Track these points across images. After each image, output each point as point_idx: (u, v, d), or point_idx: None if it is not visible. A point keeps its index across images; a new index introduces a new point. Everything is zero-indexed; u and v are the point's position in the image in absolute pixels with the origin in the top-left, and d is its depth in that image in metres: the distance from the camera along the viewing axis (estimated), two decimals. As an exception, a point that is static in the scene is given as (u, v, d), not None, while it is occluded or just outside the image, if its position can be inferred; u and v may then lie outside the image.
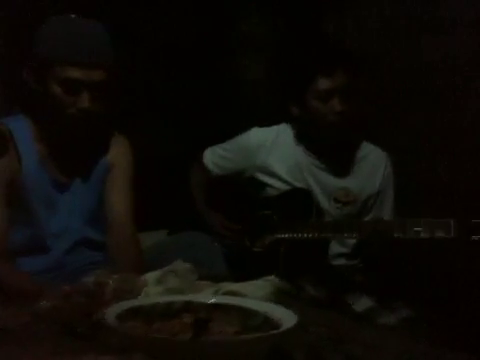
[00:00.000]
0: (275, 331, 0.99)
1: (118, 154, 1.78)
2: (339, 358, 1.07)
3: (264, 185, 2.13)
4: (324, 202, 2.08)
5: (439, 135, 2.41)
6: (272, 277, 1.22)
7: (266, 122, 2.23)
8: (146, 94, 2.78)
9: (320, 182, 2.10)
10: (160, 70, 2.82)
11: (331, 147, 2.09)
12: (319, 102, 1.99)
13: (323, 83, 1.98)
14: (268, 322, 1.05)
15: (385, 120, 2.55)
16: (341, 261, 2.06)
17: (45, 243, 1.68)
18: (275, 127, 2.18)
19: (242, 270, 1.81)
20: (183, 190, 2.24)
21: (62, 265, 1.68)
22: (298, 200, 2.05)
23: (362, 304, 1.87)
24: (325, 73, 1.98)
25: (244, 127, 2.22)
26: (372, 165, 2.13)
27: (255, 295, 1.15)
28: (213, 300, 1.11)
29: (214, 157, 2.22)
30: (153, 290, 1.19)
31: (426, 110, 2.47)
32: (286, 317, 1.04)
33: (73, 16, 1.65)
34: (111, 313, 1.04)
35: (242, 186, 2.17)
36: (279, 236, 1.98)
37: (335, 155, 2.10)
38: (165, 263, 1.31)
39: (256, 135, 2.17)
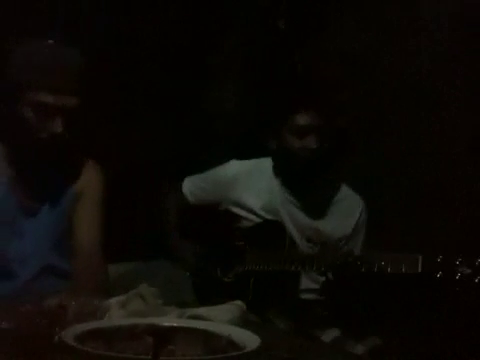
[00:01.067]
0: (239, 352, 0.97)
1: (88, 181, 1.77)
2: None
3: (237, 217, 2.12)
4: (296, 239, 2.08)
5: (410, 171, 2.44)
6: (239, 302, 1.21)
7: (244, 155, 2.24)
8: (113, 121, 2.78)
9: (294, 219, 2.10)
10: (134, 101, 2.83)
11: (308, 185, 2.10)
12: (295, 138, 2.01)
13: (300, 119, 2.01)
14: (232, 345, 1.03)
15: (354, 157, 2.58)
16: (311, 296, 2.05)
17: (9, 269, 1.64)
18: (253, 161, 2.20)
19: (211, 300, 1.79)
20: (153, 218, 2.23)
21: (27, 291, 1.64)
22: (272, 233, 2.05)
23: (329, 334, 1.86)
24: (302, 109, 2.01)
25: (220, 158, 2.23)
26: (347, 209, 2.14)
27: (220, 319, 1.13)
28: (176, 323, 1.09)
29: (192, 187, 2.22)
30: (116, 313, 1.17)
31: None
32: (249, 340, 1.03)
33: (49, 41, 1.67)
34: (70, 334, 1.01)
35: (216, 217, 2.16)
36: (250, 267, 1.97)
37: (311, 193, 2.11)
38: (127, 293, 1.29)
39: (233, 168, 2.18)
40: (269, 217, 2.09)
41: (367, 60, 2.59)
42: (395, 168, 2.45)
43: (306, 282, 2.04)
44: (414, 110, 2.42)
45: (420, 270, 1.65)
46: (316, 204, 2.11)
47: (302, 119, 2.00)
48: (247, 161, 2.20)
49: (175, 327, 1.07)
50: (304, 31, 2.85)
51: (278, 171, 2.13)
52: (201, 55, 2.95)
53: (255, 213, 2.10)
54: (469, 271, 1.58)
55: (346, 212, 2.13)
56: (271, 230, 2.06)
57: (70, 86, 1.61)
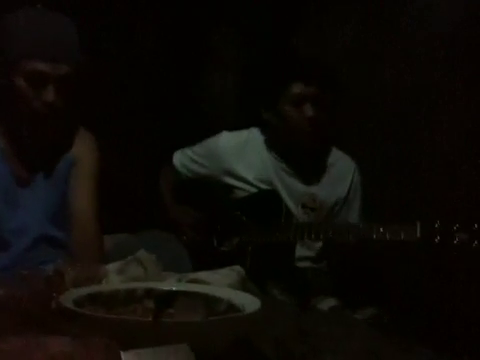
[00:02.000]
0: (239, 314, 0.97)
1: (83, 150, 1.74)
2: (305, 349, 1.06)
3: (231, 188, 2.12)
4: (292, 207, 2.08)
5: (406, 141, 2.43)
6: (238, 267, 1.20)
7: (234, 126, 2.23)
8: (113, 99, 2.76)
9: (288, 187, 2.09)
10: (128, 77, 2.81)
11: (300, 153, 2.09)
12: (291, 107, 2.01)
13: (296, 88, 1.99)
14: (232, 308, 1.03)
15: (352, 128, 2.57)
16: (306, 264, 2.06)
17: (5, 239, 1.63)
18: (245, 131, 2.18)
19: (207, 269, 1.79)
20: (149, 191, 2.22)
21: (22, 262, 1.62)
22: (267, 202, 2.05)
23: (326, 304, 1.87)
24: (299, 78, 2.00)
25: (213, 130, 2.21)
26: (340, 172, 2.14)
27: (220, 283, 1.13)
28: (175, 287, 1.09)
29: (184, 159, 2.21)
30: (115, 278, 1.16)
31: (393, 117, 2.50)
32: (250, 303, 1.02)
33: (39, 7, 1.63)
34: (68, 298, 1.01)
35: (211, 187, 2.15)
36: (247, 237, 1.97)
37: (304, 161, 2.11)
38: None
39: (225, 139, 2.16)
40: (263, 186, 2.09)
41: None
42: (390, 134, 2.44)
43: (301, 250, 2.04)
44: (414, 75, 2.41)
45: (418, 237, 1.65)
46: (309, 170, 2.11)
47: (298, 88, 1.99)
48: (238, 132, 2.19)
49: (175, 291, 1.06)
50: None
51: (272, 140, 2.12)
52: (205, 29, 2.93)
53: (249, 183, 2.10)
54: (466, 236, 1.59)
55: (339, 175, 2.13)
56: (266, 199, 2.06)
57: (62, 54, 1.58)
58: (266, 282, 1.91)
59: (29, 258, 1.64)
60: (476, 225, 1.59)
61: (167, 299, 1.01)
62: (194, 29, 2.93)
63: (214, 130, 2.26)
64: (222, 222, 2.08)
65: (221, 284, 1.14)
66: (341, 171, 2.14)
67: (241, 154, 2.13)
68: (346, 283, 1.93)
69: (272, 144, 2.12)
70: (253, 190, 2.09)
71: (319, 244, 2.04)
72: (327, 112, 2.04)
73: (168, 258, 1.67)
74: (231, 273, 1.16)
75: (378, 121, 2.55)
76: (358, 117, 2.61)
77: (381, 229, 1.71)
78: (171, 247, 1.80)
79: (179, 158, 2.22)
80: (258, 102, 2.12)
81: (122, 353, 0.82)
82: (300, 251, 2.03)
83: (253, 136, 2.16)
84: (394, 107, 2.51)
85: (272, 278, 1.93)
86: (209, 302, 1.05)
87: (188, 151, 2.22)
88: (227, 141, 2.16)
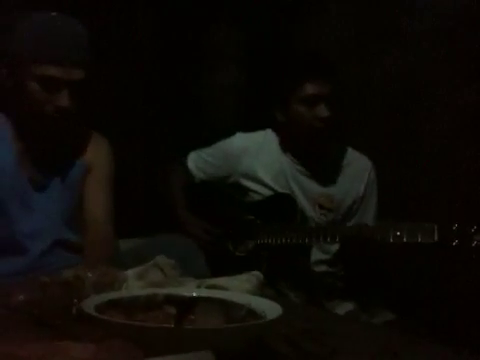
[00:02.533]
0: (260, 321, 0.96)
1: (97, 155, 1.75)
2: (324, 351, 1.05)
3: (247, 190, 2.11)
4: (308, 208, 2.07)
5: (419, 141, 2.42)
6: (256, 272, 1.20)
7: (244, 128, 2.22)
8: (121, 99, 2.76)
9: (304, 188, 2.08)
10: (139, 75, 2.81)
11: (315, 153, 2.08)
12: (305, 107, 1.99)
13: (310, 88, 1.98)
14: (252, 314, 1.02)
15: (364, 126, 2.56)
16: (322, 268, 2.04)
17: (21, 244, 1.63)
18: (260, 132, 2.17)
19: (224, 274, 1.78)
20: (159, 193, 2.21)
21: (39, 266, 1.62)
22: (282, 205, 2.03)
23: (343, 308, 1.86)
24: (312, 78, 1.98)
25: (222, 132, 2.21)
26: (356, 172, 2.13)
27: (239, 289, 1.12)
28: (196, 293, 1.08)
29: (198, 161, 2.20)
30: (134, 284, 1.16)
31: (403, 116, 2.49)
32: (270, 309, 1.02)
33: (53, 14, 1.63)
34: (89, 304, 1.00)
35: (225, 191, 2.14)
36: (262, 241, 1.96)
37: (319, 161, 2.09)
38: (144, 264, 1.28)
39: (240, 140, 2.15)
40: (279, 189, 2.08)
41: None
42: (407, 136, 2.43)
43: (317, 253, 2.03)
44: (430, 76, 2.39)
45: (436, 239, 1.64)
46: (325, 170, 2.10)
47: (312, 88, 1.98)
48: (253, 133, 2.18)
49: (195, 297, 1.06)
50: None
51: (287, 142, 2.11)
52: (207, 27, 2.93)
53: (266, 185, 2.09)
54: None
55: (355, 174, 2.12)
56: (282, 202, 2.05)
57: (76, 59, 1.58)
58: (281, 285, 1.91)
59: (45, 262, 1.65)
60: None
61: (188, 305, 1.01)
62: (198, 25, 2.93)
63: (221, 130, 2.25)
64: (237, 226, 2.07)
65: (240, 289, 1.14)
66: (357, 170, 2.13)
67: (258, 156, 2.12)
68: (363, 287, 1.92)
69: (287, 145, 2.11)
70: (269, 192, 2.08)
71: (335, 247, 2.02)
72: (339, 110, 2.03)
73: (185, 262, 1.68)
74: (250, 278, 1.16)
75: (389, 118, 2.54)
76: (367, 113, 2.61)
77: (398, 232, 1.70)
78: (186, 249, 1.79)
79: (193, 160, 2.21)
80: (270, 102, 2.11)
81: (145, 360, 0.82)
82: (316, 254, 2.02)
83: (268, 137, 2.14)
84: (403, 105, 2.50)
85: (287, 281, 1.92)
86: (229, 308, 1.04)
87: (202, 153, 2.21)
88: (244, 142, 2.15)
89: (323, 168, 2.10)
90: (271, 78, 2.17)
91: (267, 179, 2.09)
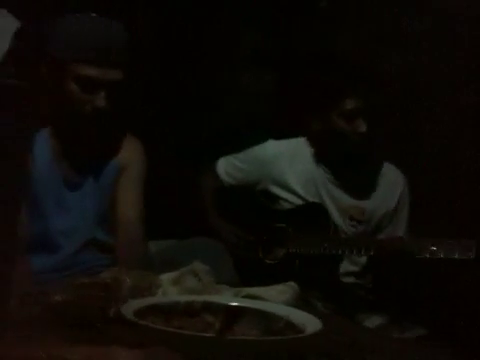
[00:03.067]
0: (301, 334, 0.96)
1: (130, 155, 1.76)
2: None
3: (276, 198, 2.10)
4: (338, 219, 2.05)
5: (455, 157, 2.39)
6: (292, 283, 1.19)
7: (272, 134, 2.21)
8: (149, 101, 2.77)
9: (335, 199, 2.07)
10: (165, 78, 2.81)
11: (350, 166, 2.07)
12: (344, 121, 1.99)
13: (350, 103, 1.98)
14: (290, 326, 1.01)
15: (400, 140, 2.54)
16: (351, 279, 2.03)
17: (55, 241, 1.64)
18: (292, 140, 2.16)
19: (253, 281, 1.78)
20: (191, 197, 2.21)
21: (71, 265, 1.64)
22: (314, 215, 2.02)
23: (373, 322, 1.84)
24: (353, 93, 1.98)
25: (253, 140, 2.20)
26: (389, 184, 2.11)
27: (276, 299, 1.12)
28: (234, 302, 1.08)
29: (228, 167, 2.19)
30: (170, 290, 1.16)
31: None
32: (309, 322, 1.01)
33: (92, 14, 1.64)
34: (128, 308, 1.00)
35: (256, 197, 2.14)
36: (293, 249, 1.95)
37: (353, 173, 2.08)
38: (174, 268, 1.28)
39: (273, 147, 2.14)
40: (310, 198, 2.06)
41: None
42: (440, 151, 2.40)
43: (345, 264, 2.02)
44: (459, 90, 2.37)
45: (474, 256, 1.61)
46: (357, 183, 2.08)
47: (353, 103, 1.97)
48: (285, 141, 2.17)
49: (234, 306, 1.05)
50: (346, 11, 2.80)
51: (321, 153, 2.10)
52: (231, 34, 2.92)
53: (296, 193, 2.08)
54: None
55: (388, 187, 2.10)
56: (313, 212, 2.04)
57: (114, 59, 1.59)
58: (310, 295, 1.89)
59: (77, 260, 1.66)
60: None
61: (229, 315, 1.00)
62: (230, 28, 2.92)
63: (246, 136, 2.24)
64: (267, 233, 2.06)
65: (277, 300, 1.13)
66: (390, 183, 2.11)
67: (290, 164, 2.11)
68: (392, 300, 1.90)
69: (321, 155, 2.10)
70: (298, 201, 2.07)
71: (364, 259, 2.01)
72: (378, 125, 2.02)
73: (214, 265, 1.67)
74: (287, 289, 1.16)
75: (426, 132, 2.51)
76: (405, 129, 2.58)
77: (434, 247, 1.68)
78: (217, 254, 1.78)
79: (223, 166, 2.20)
80: (305, 111, 2.10)
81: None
82: (345, 266, 2.00)
83: (301, 146, 2.13)
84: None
85: (316, 291, 1.91)
86: (267, 319, 1.04)
87: (232, 158, 2.20)
88: (276, 149, 2.14)
89: (355, 180, 2.08)
90: (307, 86, 2.15)
91: (297, 188, 2.08)
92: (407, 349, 1.24)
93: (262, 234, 2.06)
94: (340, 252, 1.88)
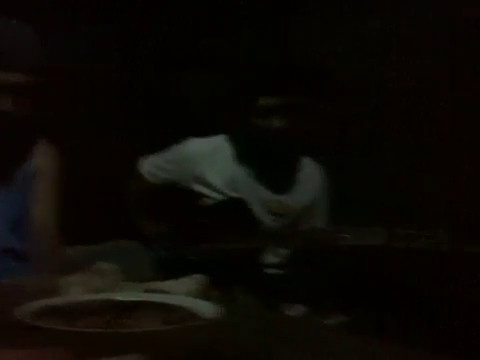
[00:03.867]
0: (196, 322, 0.97)
1: (44, 161, 1.73)
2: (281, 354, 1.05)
3: (199, 195, 2.12)
4: (260, 214, 2.09)
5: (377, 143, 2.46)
6: (198, 275, 1.20)
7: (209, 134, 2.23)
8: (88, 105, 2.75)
9: (256, 195, 2.10)
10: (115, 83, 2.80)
11: (270, 161, 2.10)
12: (259, 118, 2.01)
13: (263, 100, 2.00)
14: (190, 316, 1.03)
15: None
16: (273, 271, 2.06)
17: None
18: (212, 138, 2.18)
19: (175, 277, 1.79)
20: (114, 199, 2.21)
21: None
22: (236, 210, 2.05)
23: (295, 311, 1.87)
24: (265, 91, 2.00)
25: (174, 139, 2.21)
26: (307, 177, 2.16)
27: (177, 291, 1.13)
28: (134, 297, 1.09)
29: (151, 167, 2.20)
30: (76, 290, 1.16)
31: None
32: (208, 310, 1.03)
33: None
34: (25, 310, 1.00)
35: (179, 195, 2.15)
36: (215, 245, 1.97)
37: (272, 168, 2.11)
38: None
39: (195, 145, 2.16)
40: (232, 194, 2.09)
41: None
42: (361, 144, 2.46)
43: (267, 256, 2.05)
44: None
45: (385, 242, 1.67)
46: (277, 178, 2.12)
47: (265, 100, 2.00)
48: (205, 139, 2.19)
49: (132, 301, 1.06)
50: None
51: (241, 150, 2.13)
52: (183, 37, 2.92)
53: (218, 190, 2.10)
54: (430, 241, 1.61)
55: (306, 180, 2.15)
56: (235, 207, 2.06)
57: (19, 63, 1.57)
58: (233, 289, 1.91)
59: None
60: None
61: (124, 309, 1.01)
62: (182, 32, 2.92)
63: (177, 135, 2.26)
64: (190, 230, 2.08)
65: (179, 292, 1.15)
66: (308, 176, 2.16)
67: (211, 160, 2.13)
68: (314, 290, 1.94)
69: (242, 152, 2.13)
70: (221, 197, 2.09)
71: (286, 250, 2.04)
72: (297, 121, 2.03)
73: (131, 268, 1.68)
74: (189, 281, 1.17)
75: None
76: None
77: (347, 234, 1.73)
78: (134, 254, 1.79)
79: (146, 166, 2.21)
80: (228, 111, 2.13)
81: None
82: (267, 258, 2.04)
83: (221, 143, 2.16)
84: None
85: (239, 285, 1.93)
86: (167, 311, 1.05)
87: (155, 158, 2.21)
88: (197, 147, 2.15)
89: (275, 175, 2.12)
90: (230, 88, 2.19)
91: (219, 184, 2.10)
92: (329, 336, 1.26)
93: (185, 230, 2.08)
94: (259, 245, 1.91)
